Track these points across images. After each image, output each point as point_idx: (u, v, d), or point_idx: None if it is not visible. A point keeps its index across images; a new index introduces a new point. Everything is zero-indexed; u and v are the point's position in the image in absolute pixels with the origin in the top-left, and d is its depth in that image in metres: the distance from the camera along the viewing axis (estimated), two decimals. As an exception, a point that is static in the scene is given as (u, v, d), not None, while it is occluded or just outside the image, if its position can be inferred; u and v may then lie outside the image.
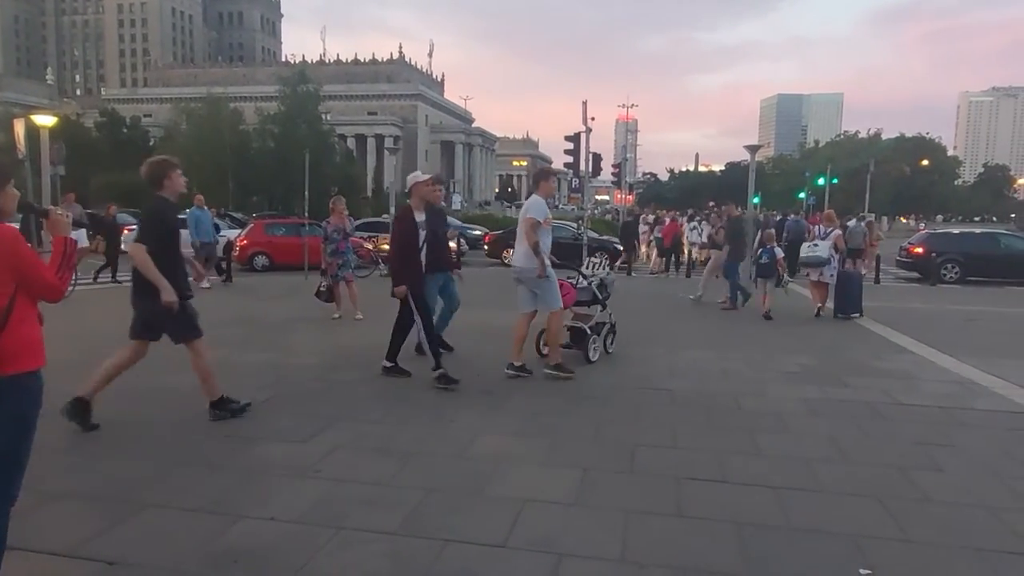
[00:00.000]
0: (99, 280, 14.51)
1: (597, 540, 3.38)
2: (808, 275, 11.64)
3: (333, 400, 5.88)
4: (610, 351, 7.81)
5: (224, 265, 15.63)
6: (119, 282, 13.85)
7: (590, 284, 7.56)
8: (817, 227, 12.52)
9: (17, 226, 2.95)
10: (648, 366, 7.36)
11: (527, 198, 7.25)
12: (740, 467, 4.39)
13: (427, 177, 7.00)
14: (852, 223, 18.43)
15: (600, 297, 7.62)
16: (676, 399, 6.05)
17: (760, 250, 11.62)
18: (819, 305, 11.35)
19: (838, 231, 11.88)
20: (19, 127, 19.66)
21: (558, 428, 5.16)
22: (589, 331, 7.41)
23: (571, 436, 4.98)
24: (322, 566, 3.11)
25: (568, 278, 7.46)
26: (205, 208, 14.67)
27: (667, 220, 22.04)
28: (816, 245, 11.40)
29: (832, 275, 11.29)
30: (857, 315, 11.03)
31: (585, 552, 3.26)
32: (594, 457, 4.54)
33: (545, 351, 7.18)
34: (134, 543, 3.30)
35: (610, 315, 7.88)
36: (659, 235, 21.00)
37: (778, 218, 26.30)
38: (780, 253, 11.58)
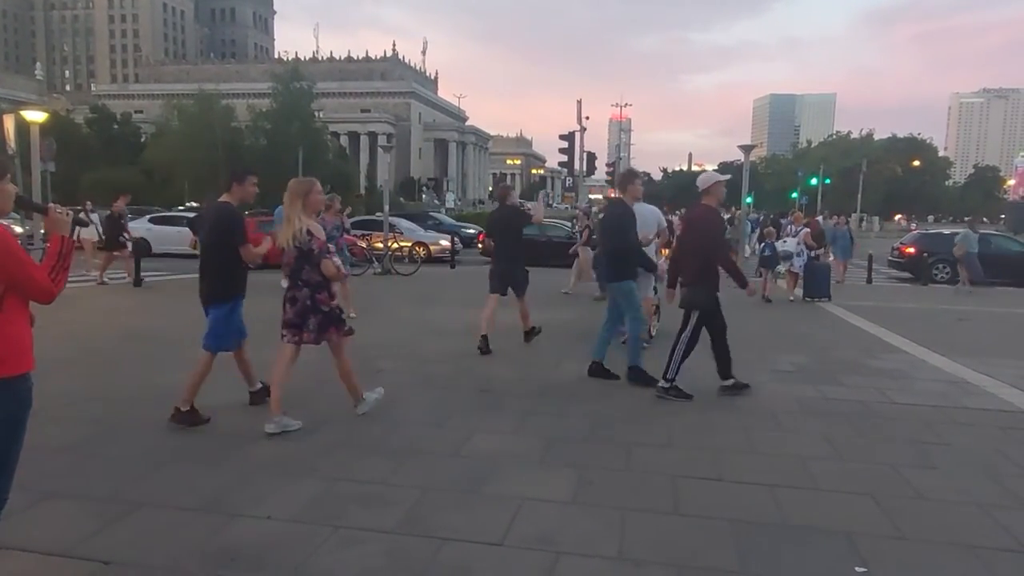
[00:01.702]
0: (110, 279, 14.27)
1: (594, 538, 3.39)
2: (784, 265, 13.72)
3: (328, 399, 5.86)
4: (653, 335, 8.51)
5: None
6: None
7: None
8: (790, 226, 14.90)
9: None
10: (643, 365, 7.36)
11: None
12: (735, 465, 4.41)
13: (727, 177, 6.29)
14: (820, 220, 21.00)
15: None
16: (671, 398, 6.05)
17: (763, 244, 13.95)
18: (789, 291, 13.62)
19: (806, 229, 14.06)
20: (9, 123, 19.53)
21: (554, 427, 5.16)
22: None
23: (567, 435, 4.99)
24: (320, 564, 3.11)
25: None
26: None
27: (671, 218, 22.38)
28: (785, 241, 13.80)
29: (800, 266, 13.51)
30: (826, 299, 12.90)
31: (582, 550, 3.27)
32: (590, 456, 4.54)
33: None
34: (130, 542, 3.28)
35: (657, 298, 8.69)
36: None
37: (771, 217, 26.86)
38: (780, 246, 13.65)
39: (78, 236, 12.80)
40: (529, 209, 9.76)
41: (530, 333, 8.66)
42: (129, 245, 14.60)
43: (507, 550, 3.26)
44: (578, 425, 5.21)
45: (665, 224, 8.99)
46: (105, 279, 13.93)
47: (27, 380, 2.58)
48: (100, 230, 14.31)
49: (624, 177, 7.16)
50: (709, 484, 4.11)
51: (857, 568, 3.15)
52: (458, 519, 3.57)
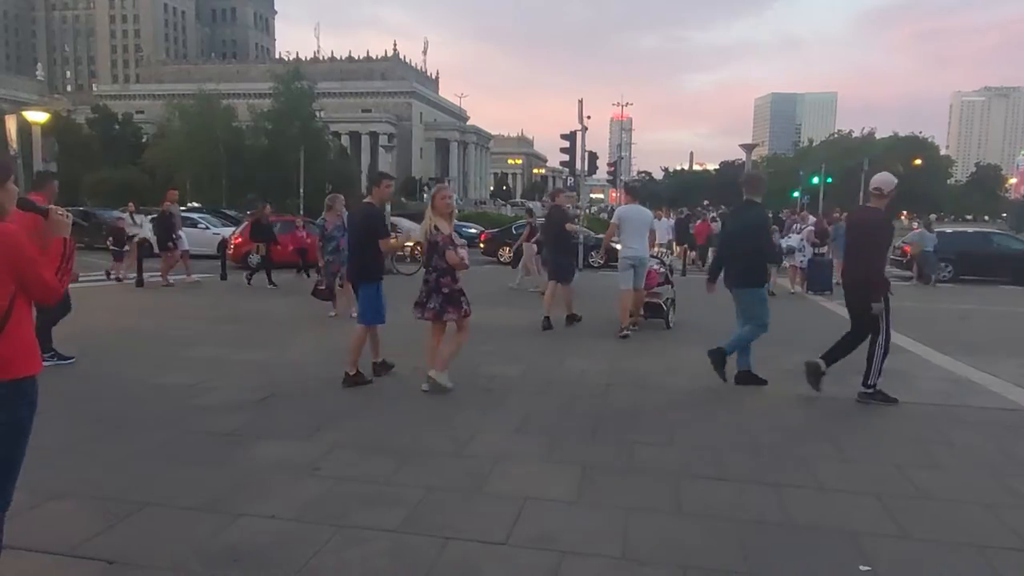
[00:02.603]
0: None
1: (598, 538, 3.39)
2: (787, 261, 14.67)
3: (331, 398, 5.87)
4: (672, 324, 9.63)
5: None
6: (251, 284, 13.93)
7: (664, 269, 10.08)
8: (795, 224, 15.96)
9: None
10: (645, 363, 7.37)
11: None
12: (739, 465, 4.40)
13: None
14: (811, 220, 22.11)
15: (670, 278, 10.13)
16: (674, 397, 6.06)
17: None
18: (792, 284, 14.64)
19: (810, 227, 14.92)
20: (11, 123, 19.52)
21: (556, 426, 5.16)
22: (664, 305, 9.67)
23: (570, 434, 4.99)
24: (324, 564, 3.11)
25: (653, 266, 9.67)
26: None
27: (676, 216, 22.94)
28: (789, 238, 14.87)
29: (803, 261, 14.41)
30: (828, 292, 13.46)
31: (586, 550, 3.26)
32: (593, 455, 4.54)
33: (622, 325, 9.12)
34: (134, 542, 3.28)
35: (674, 291, 10.03)
36: (691, 232, 22.80)
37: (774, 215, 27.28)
38: (785, 242, 14.73)
39: (130, 241, 12.80)
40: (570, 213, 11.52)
41: (571, 318, 9.70)
42: (179, 245, 14.46)
43: (511, 550, 3.26)
44: (581, 424, 5.21)
45: (654, 226, 9.92)
46: (170, 279, 13.89)
47: (35, 383, 2.58)
48: (150, 231, 14.29)
49: (752, 178, 7.03)
50: (712, 484, 4.11)
51: (861, 567, 3.14)
52: (462, 518, 3.57)
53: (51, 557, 3.11)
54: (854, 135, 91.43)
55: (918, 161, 77.76)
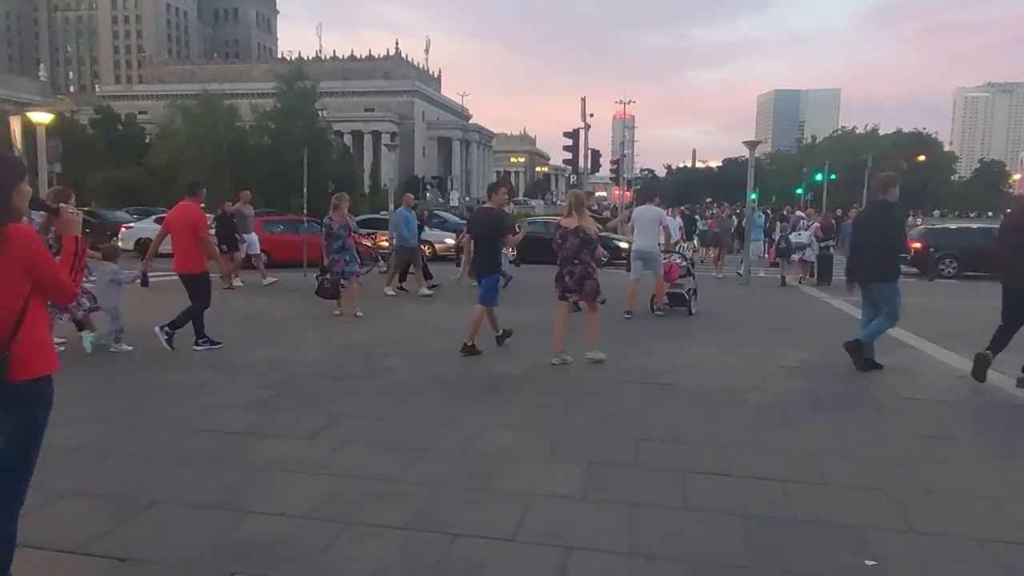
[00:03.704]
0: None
1: (605, 533, 3.41)
2: (797, 255, 15.97)
3: (337, 397, 5.90)
4: (694, 312, 10.65)
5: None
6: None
7: (685, 263, 11.01)
8: (803, 220, 17.25)
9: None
10: (650, 360, 7.39)
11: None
12: (744, 460, 4.42)
13: None
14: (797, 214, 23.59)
15: (692, 271, 11.02)
16: (679, 394, 6.08)
17: (779, 237, 16.58)
18: (800, 276, 15.93)
19: (817, 223, 16.65)
20: (15, 124, 19.59)
21: (562, 423, 5.19)
22: (686, 295, 10.64)
23: (575, 431, 5.01)
24: (334, 560, 3.14)
25: (676, 260, 10.80)
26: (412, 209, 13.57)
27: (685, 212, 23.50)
28: (800, 234, 16.16)
29: (813, 254, 15.83)
30: (827, 284, 14.73)
31: (594, 545, 3.29)
32: (599, 451, 4.56)
33: (656, 305, 10.48)
34: (144, 540, 3.31)
35: (695, 282, 11.04)
36: (704, 228, 23.62)
37: (779, 212, 27.73)
38: (795, 238, 15.99)
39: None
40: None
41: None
42: (241, 248, 13.83)
43: (519, 545, 3.29)
44: (586, 421, 5.23)
45: (667, 223, 11.10)
46: (235, 282, 13.36)
47: (51, 381, 2.60)
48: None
49: (883, 180, 7.14)
50: (718, 479, 4.13)
51: (867, 561, 3.16)
52: (469, 515, 3.59)
53: (63, 555, 3.14)
54: (858, 132, 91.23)
55: (922, 157, 77.60)
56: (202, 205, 8.29)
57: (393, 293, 12.76)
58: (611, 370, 6.95)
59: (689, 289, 10.79)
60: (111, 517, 3.52)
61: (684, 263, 10.98)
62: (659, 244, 10.54)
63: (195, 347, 7.54)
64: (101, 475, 4.10)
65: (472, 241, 8.06)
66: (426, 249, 20.22)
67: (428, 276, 13.52)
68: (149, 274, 8.35)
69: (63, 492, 3.77)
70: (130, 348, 7.50)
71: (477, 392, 6.05)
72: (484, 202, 9.40)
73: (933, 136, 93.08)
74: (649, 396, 5.99)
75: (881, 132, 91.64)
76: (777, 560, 3.20)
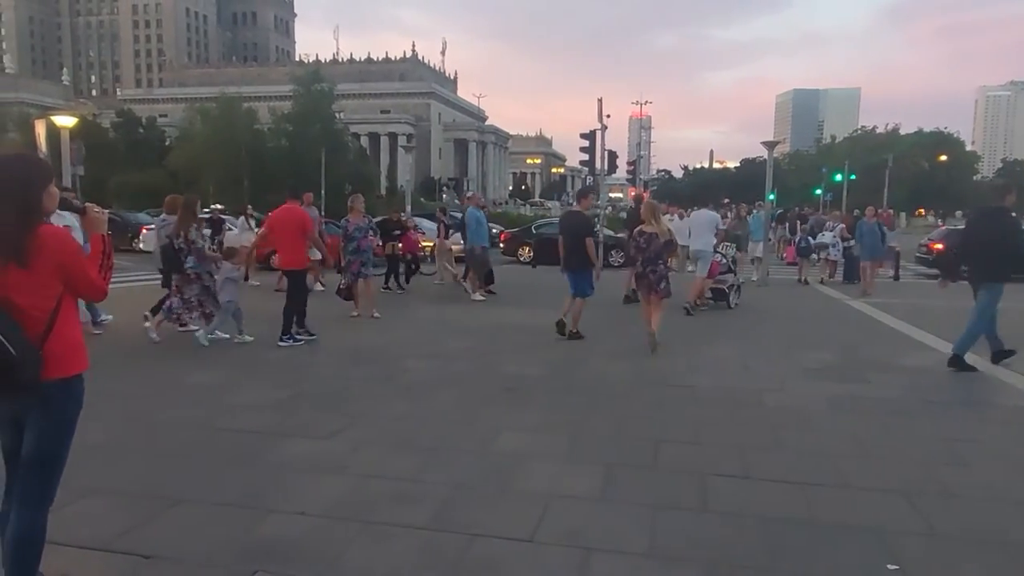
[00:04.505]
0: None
1: (624, 535, 3.40)
2: (821, 254, 17.22)
3: (356, 397, 5.94)
4: (738, 302, 11.75)
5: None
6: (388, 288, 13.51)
7: (726, 260, 12.01)
8: (829, 222, 18.41)
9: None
10: (669, 363, 7.36)
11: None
12: (764, 463, 4.39)
13: None
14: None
15: (732, 268, 12.13)
16: (698, 395, 6.05)
17: (799, 237, 17.62)
18: (823, 275, 16.87)
19: (842, 225, 17.32)
20: (40, 128, 19.92)
21: (580, 424, 5.18)
22: (727, 290, 11.65)
23: (593, 432, 5.01)
24: (353, 559, 3.16)
25: (716, 259, 11.61)
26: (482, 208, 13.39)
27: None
28: (823, 235, 17.36)
29: (838, 253, 16.79)
30: (858, 281, 15.06)
31: (613, 547, 3.28)
32: (617, 453, 4.56)
33: (697, 302, 11.14)
34: (169, 537, 3.36)
35: (738, 279, 12.19)
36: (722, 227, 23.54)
37: (798, 212, 28.11)
38: (820, 238, 17.39)
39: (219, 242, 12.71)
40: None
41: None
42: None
43: (537, 546, 3.29)
44: (605, 422, 5.23)
45: (723, 226, 12.39)
46: (319, 285, 12.87)
47: (82, 380, 2.64)
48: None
49: (999, 187, 7.87)
50: (738, 482, 4.11)
51: (889, 566, 3.13)
52: (487, 516, 3.60)
53: (89, 552, 3.19)
54: (878, 131, 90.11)
55: (943, 157, 76.47)
56: (309, 206, 8.84)
57: (482, 298, 12.34)
58: (630, 371, 6.94)
59: (730, 284, 11.79)
60: (135, 515, 3.58)
61: (724, 261, 11.93)
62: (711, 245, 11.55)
63: (280, 343, 7.89)
64: (126, 473, 4.16)
65: (562, 240, 8.70)
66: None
67: (489, 280, 13.18)
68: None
69: (89, 490, 3.82)
70: (251, 338, 8.14)
71: (495, 393, 6.06)
72: (573, 206, 10.51)
73: (955, 135, 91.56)
74: (668, 398, 5.97)
75: (902, 131, 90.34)
76: (796, 563, 3.18)
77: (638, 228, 8.26)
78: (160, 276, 9.07)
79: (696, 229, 11.67)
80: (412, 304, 12.08)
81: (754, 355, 7.78)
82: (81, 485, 3.81)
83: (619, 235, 23.85)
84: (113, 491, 3.90)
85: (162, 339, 8.06)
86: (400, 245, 13.99)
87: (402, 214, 16.12)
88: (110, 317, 9.01)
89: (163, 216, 9.21)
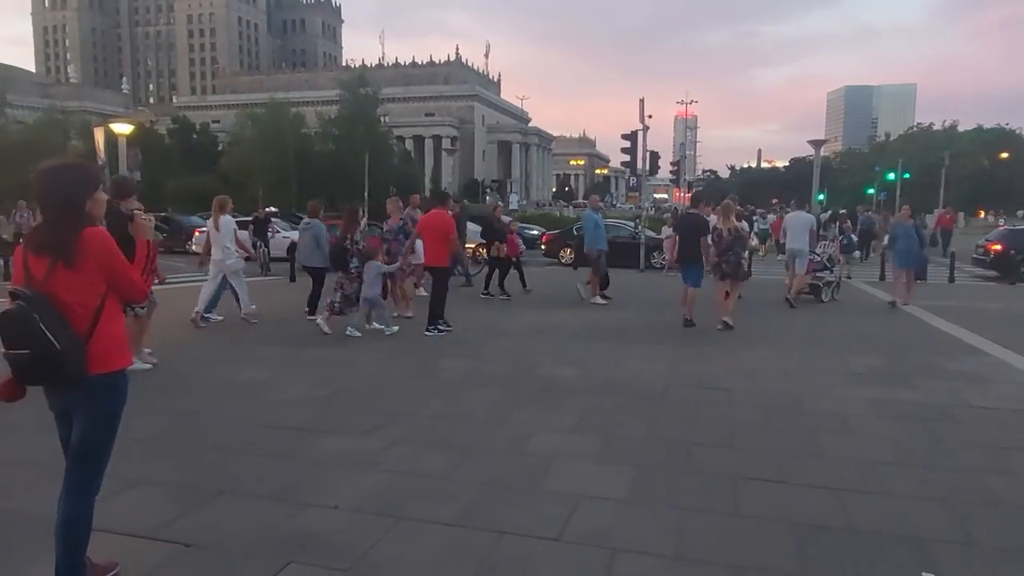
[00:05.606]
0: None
1: (652, 536, 3.40)
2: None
3: (392, 395, 6.04)
4: (836, 297, 12.82)
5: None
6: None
7: (822, 258, 12.93)
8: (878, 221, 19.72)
9: None
10: (705, 366, 7.29)
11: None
12: (800, 468, 4.33)
13: None
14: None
15: (828, 266, 13.02)
16: (734, 398, 5.98)
17: (842, 235, 17.75)
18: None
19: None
20: (99, 135, 20.78)
21: (613, 426, 5.18)
22: (822, 286, 12.71)
23: (626, 434, 5.00)
24: (384, 553, 3.23)
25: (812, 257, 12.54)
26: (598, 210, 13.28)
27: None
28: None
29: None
30: (922, 279, 14.80)
31: (639, 548, 3.29)
32: (649, 455, 4.55)
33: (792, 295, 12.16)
34: (209, 527, 3.49)
35: (836, 276, 13.23)
36: (765, 227, 24.58)
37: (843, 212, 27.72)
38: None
39: (497, 248, 13.51)
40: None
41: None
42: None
43: (564, 545, 3.32)
44: (638, 425, 5.21)
45: (814, 228, 12.86)
46: (422, 290, 12.52)
47: (126, 376, 2.79)
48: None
49: None
50: (772, 486, 4.06)
51: (924, 574, 3.06)
52: (516, 514, 3.64)
53: (134, 539, 3.34)
54: (935, 128, 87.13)
55: (1004, 155, 73.42)
56: (452, 212, 9.87)
57: (604, 302, 12.04)
58: (665, 374, 6.89)
59: (827, 281, 12.75)
60: (178, 505, 3.73)
61: (818, 259, 12.82)
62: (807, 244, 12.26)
63: (426, 332, 8.76)
64: (170, 466, 4.33)
65: (678, 239, 10.14)
66: (483, 252, 20.24)
67: (605, 284, 12.66)
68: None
69: (134, 481, 4.00)
70: (396, 328, 9.01)
71: (530, 394, 6.10)
72: (690, 209, 11.62)
73: (1017, 132, 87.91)
74: (703, 401, 5.92)
75: (960, 128, 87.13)
76: (829, 570, 3.13)
77: (713, 225, 9.90)
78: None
79: (792, 230, 12.57)
80: (453, 304, 12.17)
81: (795, 358, 7.63)
82: (128, 476, 3.99)
83: (659, 236, 23.64)
84: (158, 482, 4.06)
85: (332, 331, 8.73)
86: (505, 247, 13.32)
87: (503, 216, 15.37)
88: (220, 317, 9.78)
89: (305, 220, 10.50)
